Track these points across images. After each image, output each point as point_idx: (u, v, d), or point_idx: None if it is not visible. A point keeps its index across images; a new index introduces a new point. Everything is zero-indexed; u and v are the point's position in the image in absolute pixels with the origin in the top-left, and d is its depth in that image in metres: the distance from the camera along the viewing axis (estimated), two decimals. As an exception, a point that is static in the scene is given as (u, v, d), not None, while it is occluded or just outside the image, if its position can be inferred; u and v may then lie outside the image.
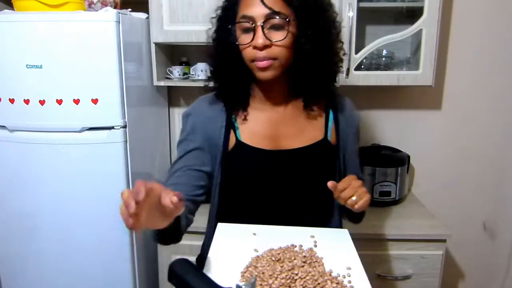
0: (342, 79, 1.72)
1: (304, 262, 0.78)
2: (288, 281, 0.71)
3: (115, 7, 1.65)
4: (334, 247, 0.87)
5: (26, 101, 1.53)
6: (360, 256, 0.84)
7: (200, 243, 1.68)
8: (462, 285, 2.18)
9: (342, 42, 1.00)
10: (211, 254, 0.83)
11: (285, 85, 1.00)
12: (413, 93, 2.02)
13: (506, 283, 2.11)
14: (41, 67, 1.49)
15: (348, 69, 1.71)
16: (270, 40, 0.88)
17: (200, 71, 1.85)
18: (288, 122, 1.02)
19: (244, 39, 0.91)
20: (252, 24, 0.88)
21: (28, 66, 1.49)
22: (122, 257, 1.67)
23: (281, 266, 0.75)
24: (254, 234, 0.92)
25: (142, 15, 1.74)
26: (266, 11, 0.86)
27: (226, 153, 1.01)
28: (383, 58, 1.86)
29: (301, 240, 0.88)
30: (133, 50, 1.64)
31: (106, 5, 1.62)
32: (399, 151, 1.94)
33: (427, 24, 1.66)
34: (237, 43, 0.93)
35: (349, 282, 0.74)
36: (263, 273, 0.73)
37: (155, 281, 1.87)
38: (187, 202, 0.94)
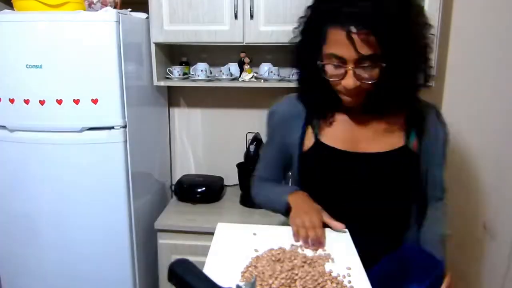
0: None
1: (304, 262, 0.78)
2: (288, 281, 0.71)
3: (115, 7, 1.65)
4: (334, 247, 0.87)
5: (26, 101, 1.53)
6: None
7: (200, 243, 1.69)
8: (462, 285, 2.18)
9: (430, 49, 0.96)
10: (211, 254, 0.83)
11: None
12: (413, 93, 2.02)
13: (506, 283, 2.11)
14: (41, 67, 1.49)
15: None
16: (360, 81, 0.88)
17: (200, 71, 1.85)
18: (367, 125, 1.02)
19: (333, 73, 0.91)
20: (342, 64, 0.88)
21: (28, 66, 1.49)
22: (122, 256, 1.67)
23: (281, 266, 0.75)
24: (254, 234, 0.92)
25: (142, 15, 1.74)
26: (358, 55, 0.85)
27: (302, 152, 1.04)
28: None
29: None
30: (133, 50, 1.64)
31: (106, 5, 1.62)
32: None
33: (427, 24, 1.66)
34: (326, 77, 0.92)
35: (349, 282, 0.74)
36: (263, 273, 0.73)
37: (155, 281, 1.87)
38: None
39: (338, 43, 0.86)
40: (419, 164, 1.01)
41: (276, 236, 0.90)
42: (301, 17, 0.97)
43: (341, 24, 0.84)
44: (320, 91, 0.98)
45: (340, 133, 1.02)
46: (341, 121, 1.03)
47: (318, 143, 1.03)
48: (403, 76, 0.90)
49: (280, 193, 1.05)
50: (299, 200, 1.00)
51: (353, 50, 0.84)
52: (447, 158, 1.09)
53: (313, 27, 0.93)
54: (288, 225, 0.95)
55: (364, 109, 1.00)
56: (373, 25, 0.82)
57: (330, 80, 0.92)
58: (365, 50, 0.84)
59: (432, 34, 0.95)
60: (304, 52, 0.97)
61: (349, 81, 0.88)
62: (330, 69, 0.91)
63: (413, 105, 1.02)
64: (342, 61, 0.87)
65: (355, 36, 0.83)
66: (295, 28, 0.98)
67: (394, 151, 0.99)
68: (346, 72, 0.88)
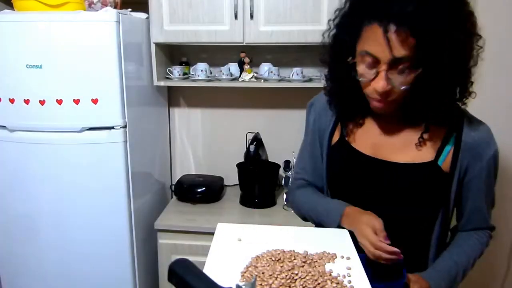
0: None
1: (304, 262, 0.78)
2: (288, 281, 0.71)
3: (115, 7, 1.65)
4: (334, 247, 0.87)
5: (26, 101, 1.53)
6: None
7: (200, 243, 1.69)
8: (462, 285, 2.18)
9: (474, 61, 0.87)
10: (211, 254, 0.83)
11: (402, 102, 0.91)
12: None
13: (506, 283, 2.11)
14: (41, 67, 1.49)
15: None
16: (392, 85, 0.81)
17: (200, 71, 1.85)
18: (397, 134, 0.96)
19: (364, 73, 0.85)
20: (375, 64, 0.82)
21: (28, 66, 1.49)
22: (122, 256, 1.67)
23: (281, 266, 0.75)
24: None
25: (142, 15, 1.74)
26: (392, 56, 0.78)
27: (330, 146, 1.04)
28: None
29: (301, 239, 0.88)
30: (133, 50, 1.64)
31: (106, 5, 1.62)
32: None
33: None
34: (356, 77, 0.86)
35: (349, 282, 0.74)
36: (263, 273, 0.73)
37: (155, 281, 1.87)
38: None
39: (373, 41, 0.79)
40: (448, 183, 0.94)
41: (276, 236, 0.90)
42: (338, 9, 0.90)
43: (379, 21, 0.77)
44: (349, 93, 0.92)
45: (366, 137, 0.99)
46: (371, 125, 0.99)
47: (342, 141, 1.01)
48: (440, 86, 0.82)
49: (330, 210, 1.00)
50: (355, 220, 0.93)
51: (388, 51, 0.77)
52: (492, 187, 1.01)
53: (349, 21, 0.86)
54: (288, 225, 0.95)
55: (399, 119, 0.95)
56: (413, 26, 0.74)
57: (360, 80, 0.86)
58: (400, 52, 0.77)
59: (480, 46, 0.85)
60: (337, 47, 0.90)
61: (379, 83, 0.81)
62: (362, 68, 0.85)
63: (454, 120, 0.94)
64: (375, 61, 0.81)
65: (392, 36, 0.76)
66: (331, 20, 0.91)
67: (419, 164, 0.92)
68: (378, 73, 0.81)
